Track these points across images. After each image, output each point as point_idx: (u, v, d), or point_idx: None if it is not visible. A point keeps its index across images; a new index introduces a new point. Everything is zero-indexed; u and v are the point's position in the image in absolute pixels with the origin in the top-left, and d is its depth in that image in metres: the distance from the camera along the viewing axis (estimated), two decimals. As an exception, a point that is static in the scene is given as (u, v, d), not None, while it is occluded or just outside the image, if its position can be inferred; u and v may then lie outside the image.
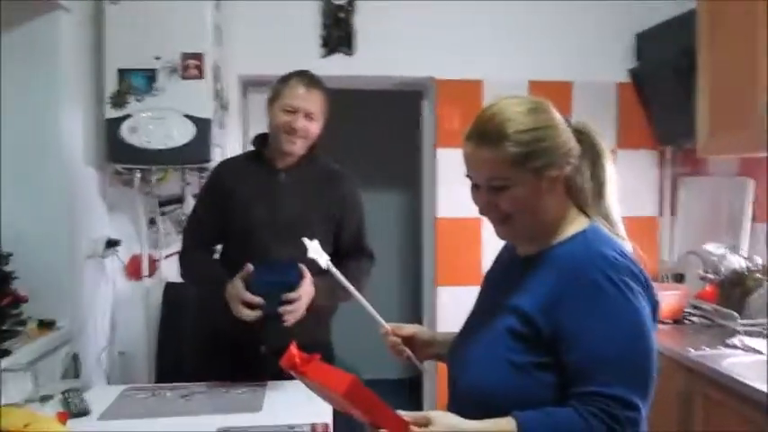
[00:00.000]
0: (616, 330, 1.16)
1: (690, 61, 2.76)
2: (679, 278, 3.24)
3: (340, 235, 2.19)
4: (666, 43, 3.12)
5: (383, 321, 1.54)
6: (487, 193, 1.24)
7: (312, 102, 2.13)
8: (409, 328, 1.53)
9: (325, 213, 2.16)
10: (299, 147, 2.13)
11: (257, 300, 1.95)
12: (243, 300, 1.96)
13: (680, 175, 3.42)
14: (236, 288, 1.98)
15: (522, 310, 1.22)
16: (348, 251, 2.20)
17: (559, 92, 3.33)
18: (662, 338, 2.49)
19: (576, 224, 1.27)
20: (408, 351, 1.51)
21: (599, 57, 3.42)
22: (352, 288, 1.59)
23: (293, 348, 1.22)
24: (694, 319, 2.85)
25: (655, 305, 1.24)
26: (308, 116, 2.12)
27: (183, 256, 2.28)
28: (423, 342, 1.52)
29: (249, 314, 1.96)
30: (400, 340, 1.51)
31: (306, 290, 2.00)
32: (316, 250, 1.61)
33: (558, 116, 1.26)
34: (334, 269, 1.60)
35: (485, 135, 1.21)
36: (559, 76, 3.38)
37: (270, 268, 2.00)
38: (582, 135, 1.27)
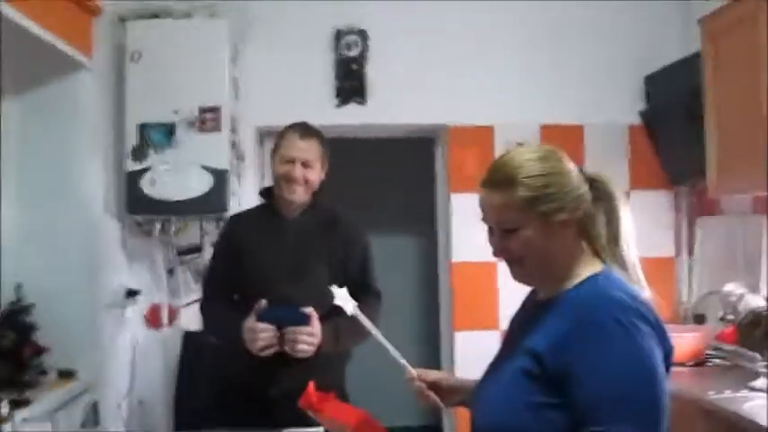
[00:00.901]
0: (623, 370, 1.16)
1: (698, 102, 2.78)
2: (699, 319, 3.20)
3: (345, 276, 2.22)
4: (674, 85, 3.16)
5: (409, 366, 1.54)
6: (499, 236, 1.30)
7: (307, 150, 2.20)
8: (435, 374, 1.55)
9: (329, 256, 2.22)
10: (299, 194, 2.20)
11: (267, 326, 2.02)
12: (254, 329, 2.03)
13: (695, 214, 3.41)
14: (249, 321, 2.05)
15: (533, 350, 1.24)
16: (354, 290, 2.22)
17: (571, 135, 3.36)
18: (682, 381, 2.46)
19: (590, 269, 1.29)
20: (434, 396, 1.51)
21: (609, 100, 3.45)
22: (379, 334, 1.59)
23: (311, 387, 1.25)
24: (716, 360, 2.80)
25: (668, 350, 1.24)
26: (305, 164, 2.19)
27: (204, 307, 2.37)
28: (449, 388, 1.53)
29: (262, 341, 2.03)
30: (425, 386, 1.51)
31: (315, 329, 2.06)
32: (342, 297, 1.64)
33: (569, 164, 1.31)
34: (361, 316, 1.61)
35: (496, 181, 1.28)
36: (570, 119, 3.41)
37: (279, 308, 2.07)
38: (596, 183, 1.31)
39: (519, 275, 1.33)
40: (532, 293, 1.43)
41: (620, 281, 1.27)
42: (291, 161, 2.18)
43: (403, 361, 1.54)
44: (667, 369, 1.23)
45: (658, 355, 1.20)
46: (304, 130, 2.24)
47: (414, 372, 1.53)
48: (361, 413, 1.15)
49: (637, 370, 1.16)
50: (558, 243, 1.27)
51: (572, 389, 1.18)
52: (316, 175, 2.22)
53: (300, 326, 2.04)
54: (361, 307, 2.08)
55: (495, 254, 1.32)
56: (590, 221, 1.30)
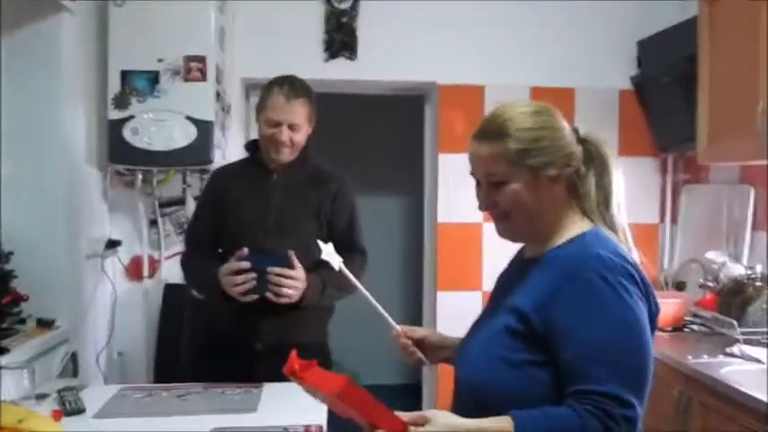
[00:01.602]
0: (609, 328, 1.16)
1: (691, 68, 2.76)
2: (680, 286, 3.23)
3: (331, 231, 2.20)
4: (668, 50, 3.13)
5: (394, 323, 1.55)
6: (487, 190, 1.29)
7: (295, 113, 2.12)
8: (420, 331, 1.55)
9: (315, 211, 2.19)
10: (285, 155, 2.16)
11: (245, 264, 2.00)
12: (231, 269, 2.01)
13: (681, 182, 3.42)
14: (228, 264, 2.03)
15: (518, 308, 1.24)
16: (340, 247, 2.20)
17: (562, 98, 3.32)
18: (661, 346, 2.49)
19: (577, 228, 1.29)
20: (419, 353, 1.52)
21: (601, 63, 3.43)
22: (364, 290, 1.59)
23: (293, 356, 1.25)
24: (694, 327, 2.84)
25: (654, 311, 1.25)
26: (292, 127, 2.13)
27: (185, 261, 2.34)
28: (433, 345, 1.54)
29: (234, 281, 2.00)
30: (411, 342, 1.52)
31: (299, 274, 2.04)
32: (329, 252, 1.63)
33: (561, 121, 1.29)
34: (346, 271, 1.60)
35: (487, 132, 1.28)
36: (562, 82, 3.38)
37: (261, 254, 2.05)
38: (589, 144, 1.30)
39: (504, 231, 1.32)
40: (520, 252, 1.43)
41: (609, 240, 1.26)
42: (278, 123, 2.11)
43: (389, 318, 1.54)
44: (653, 331, 1.23)
45: (645, 315, 1.20)
46: (291, 89, 2.13)
47: (399, 328, 1.53)
48: (342, 379, 1.15)
49: (622, 329, 1.17)
50: (545, 199, 1.27)
51: (557, 346, 1.18)
52: (303, 135, 2.17)
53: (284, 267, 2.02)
54: (346, 263, 2.08)
55: (481, 207, 1.32)
56: (580, 181, 1.29)
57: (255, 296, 2.03)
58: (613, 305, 1.17)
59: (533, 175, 1.25)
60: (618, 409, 1.12)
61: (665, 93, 3.14)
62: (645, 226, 3.42)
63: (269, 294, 2.03)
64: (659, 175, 3.49)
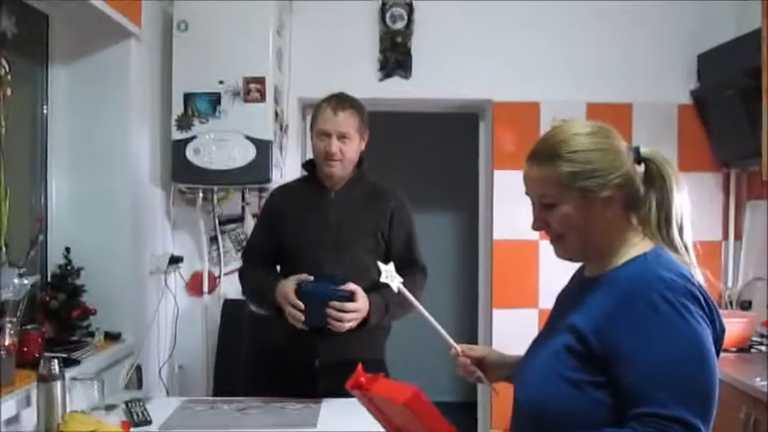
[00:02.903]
0: (672, 350, 1.14)
1: (753, 82, 2.70)
2: (745, 305, 3.14)
3: (390, 249, 2.21)
4: (729, 64, 3.06)
5: (453, 342, 1.55)
6: (539, 211, 1.29)
7: (342, 123, 2.17)
8: (479, 350, 1.56)
9: (373, 229, 2.21)
10: (337, 168, 2.19)
11: (299, 304, 2.04)
12: (289, 301, 2.05)
13: (744, 198, 3.32)
14: (286, 287, 2.07)
15: (577, 328, 1.22)
16: (399, 265, 2.21)
17: (619, 113, 3.29)
18: (726, 367, 2.42)
19: (638, 248, 1.26)
20: (479, 372, 1.52)
21: (659, 78, 3.37)
22: (424, 310, 1.60)
23: (359, 369, 1.27)
24: (762, 347, 2.75)
25: (720, 331, 1.22)
26: (342, 138, 2.16)
27: (242, 275, 2.38)
28: (493, 364, 1.54)
29: (295, 315, 2.04)
30: (469, 361, 1.53)
31: (360, 305, 2.05)
32: (389, 273, 1.64)
33: (617, 141, 1.27)
34: (406, 292, 1.61)
35: (539, 154, 1.28)
36: (618, 97, 3.34)
37: (322, 283, 2.07)
38: (650, 164, 1.27)
39: (560, 252, 1.32)
40: (580, 270, 1.41)
41: (671, 260, 1.23)
42: (327, 135, 2.16)
43: (448, 337, 1.54)
44: (718, 352, 1.20)
45: (710, 337, 1.17)
46: (338, 101, 2.19)
47: (458, 347, 1.54)
48: (412, 388, 1.17)
49: (688, 351, 1.14)
50: (599, 221, 1.25)
51: (618, 369, 1.16)
52: (354, 147, 2.20)
53: (345, 301, 2.04)
54: (407, 281, 2.10)
55: (534, 227, 1.32)
56: (639, 201, 1.27)
57: (315, 327, 2.07)
58: (676, 327, 1.14)
59: (585, 197, 1.24)
60: None
61: (726, 107, 3.07)
62: (707, 243, 3.29)
63: (329, 326, 2.06)
64: (721, 192, 3.39)
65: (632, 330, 1.16)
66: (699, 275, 1.24)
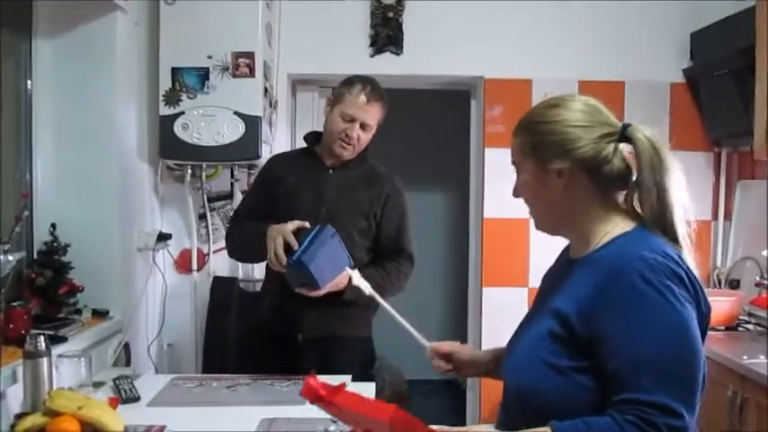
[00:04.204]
0: (654, 334, 1.12)
1: (746, 61, 2.69)
2: (734, 284, 3.15)
3: (379, 234, 2.21)
4: (722, 43, 3.04)
5: (424, 341, 1.60)
6: (516, 179, 1.34)
7: (371, 114, 2.17)
8: (446, 346, 1.60)
9: (366, 211, 2.20)
10: (349, 153, 2.20)
11: (293, 241, 1.93)
12: (284, 234, 1.94)
13: (735, 178, 3.33)
14: (284, 225, 1.97)
15: (560, 312, 1.21)
16: (387, 251, 2.23)
17: (611, 91, 3.27)
18: (715, 345, 2.44)
19: (620, 227, 1.24)
20: (446, 367, 1.58)
21: (652, 56, 3.35)
22: (394, 312, 1.64)
23: (312, 380, 1.18)
24: (749, 326, 2.77)
25: (706, 311, 1.20)
26: (364, 126, 2.17)
27: (229, 233, 2.34)
28: (463, 361, 1.58)
29: (280, 254, 1.93)
30: (443, 363, 1.58)
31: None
32: (358, 278, 1.70)
33: (595, 117, 1.25)
34: (377, 296, 1.66)
35: (518, 124, 1.33)
36: (611, 75, 3.32)
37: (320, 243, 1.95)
38: (634, 142, 1.22)
39: (535, 223, 1.35)
40: (565, 251, 1.40)
41: (654, 240, 1.20)
42: (352, 120, 2.15)
43: (419, 336, 1.61)
44: (704, 333, 1.19)
45: (694, 318, 1.15)
46: (373, 90, 2.17)
47: (428, 345, 1.60)
48: (391, 406, 1.09)
49: (669, 334, 1.12)
50: (559, 192, 1.25)
51: (602, 354, 1.15)
52: (370, 135, 2.21)
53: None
54: (393, 269, 2.13)
55: (513, 194, 1.37)
56: (624, 180, 1.24)
57: (283, 270, 1.96)
58: (658, 309, 1.12)
59: (540, 167, 1.26)
60: (663, 419, 1.08)
61: (718, 86, 3.06)
62: (697, 223, 3.33)
63: (312, 294, 1.98)
64: (712, 171, 3.39)
65: (614, 314, 1.14)
66: (688, 256, 1.22)
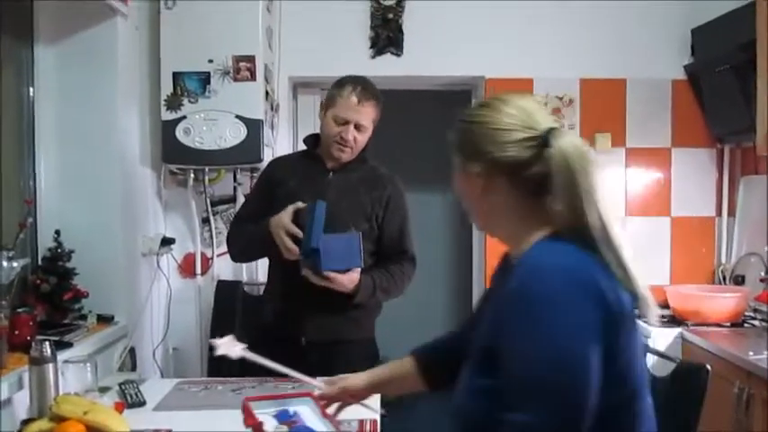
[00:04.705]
0: (536, 351, 1.06)
1: (747, 56, 2.68)
2: (739, 280, 3.15)
3: (381, 236, 2.21)
4: (723, 38, 3.04)
5: (317, 384, 1.64)
6: None
7: (365, 114, 2.16)
8: (334, 389, 1.61)
9: (368, 213, 2.20)
10: (348, 155, 2.20)
11: (297, 231, 2.02)
12: (284, 225, 2.03)
13: (738, 174, 3.32)
14: (282, 214, 2.06)
15: (484, 331, 1.20)
16: (390, 253, 2.23)
17: (612, 89, 3.27)
18: (721, 341, 2.43)
19: (536, 236, 1.19)
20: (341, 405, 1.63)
21: (653, 53, 3.35)
22: (279, 366, 1.62)
23: (248, 407, 1.22)
24: (754, 322, 2.76)
25: (619, 315, 1.09)
26: (359, 128, 2.16)
27: (230, 235, 2.36)
28: (356, 392, 1.60)
29: (288, 245, 2.02)
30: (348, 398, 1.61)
31: (346, 280, 2.06)
32: (226, 346, 1.63)
33: (503, 117, 1.20)
34: (251, 356, 1.62)
35: None
36: (612, 73, 3.31)
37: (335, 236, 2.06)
38: (555, 148, 1.15)
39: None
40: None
41: (562, 247, 1.14)
42: (346, 123, 2.14)
43: (311, 380, 1.65)
44: (619, 331, 1.09)
45: (592, 330, 1.06)
46: (364, 91, 2.15)
47: (320, 391, 1.64)
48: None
49: (550, 352, 1.05)
50: (476, 196, 1.24)
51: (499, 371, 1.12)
52: (367, 136, 2.20)
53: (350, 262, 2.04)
54: (396, 271, 2.13)
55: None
56: (551, 186, 1.15)
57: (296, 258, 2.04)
58: (544, 324, 1.06)
59: (462, 167, 1.26)
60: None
61: (720, 82, 3.05)
62: (701, 219, 3.33)
63: (315, 279, 2.03)
64: (715, 167, 3.38)
65: (507, 328, 1.11)
66: (614, 263, 1.12)
